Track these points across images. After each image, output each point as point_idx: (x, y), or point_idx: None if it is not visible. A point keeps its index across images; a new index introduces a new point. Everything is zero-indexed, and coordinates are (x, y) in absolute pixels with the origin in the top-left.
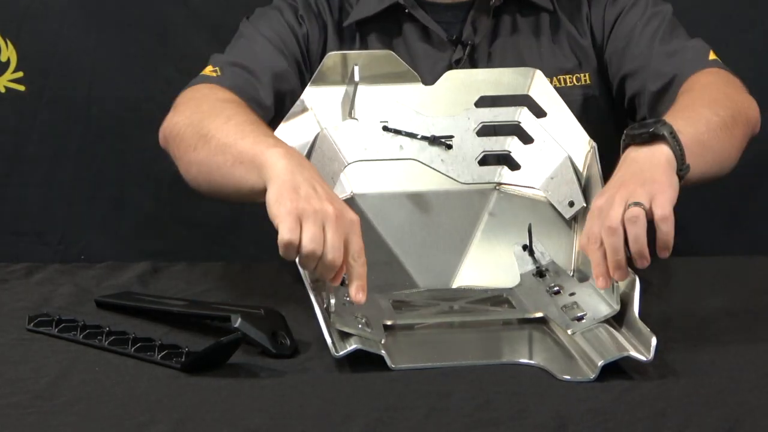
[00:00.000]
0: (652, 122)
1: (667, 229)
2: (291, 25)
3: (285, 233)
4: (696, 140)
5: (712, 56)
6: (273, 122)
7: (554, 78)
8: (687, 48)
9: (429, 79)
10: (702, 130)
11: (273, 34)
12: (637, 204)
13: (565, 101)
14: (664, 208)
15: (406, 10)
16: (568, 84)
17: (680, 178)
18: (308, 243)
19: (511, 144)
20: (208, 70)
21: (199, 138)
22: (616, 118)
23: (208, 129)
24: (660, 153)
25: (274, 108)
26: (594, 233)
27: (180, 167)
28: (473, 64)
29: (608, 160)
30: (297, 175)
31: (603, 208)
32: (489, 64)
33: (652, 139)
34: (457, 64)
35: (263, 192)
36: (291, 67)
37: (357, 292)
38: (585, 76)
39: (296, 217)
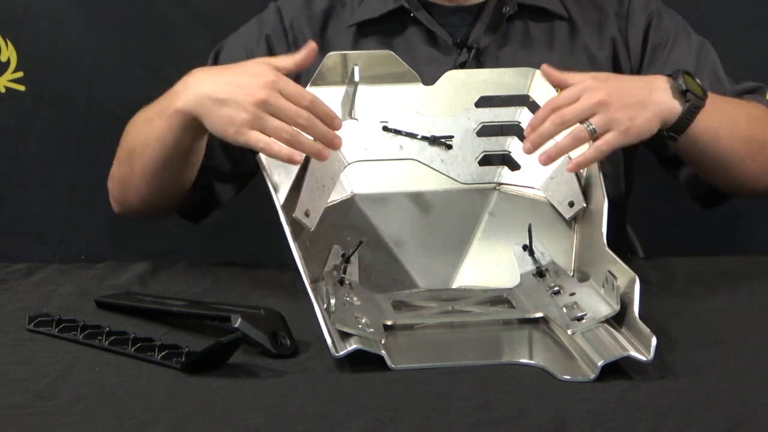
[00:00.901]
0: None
1: (590, 154)
2: (249, 50)
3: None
4: (714, 104)
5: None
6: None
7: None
8: (740, 90)
9: (432, 82)
10: (726, 108)
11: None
12: (593, 131)
13: None
14: (608, 143)
15: (411, 14)
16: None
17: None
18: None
19: (511, 144)
20: None
21: (129, 158)
22: None
23: (130, 144)
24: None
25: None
26: (555, 103)
27: (133, 204)
28: (480, 68)
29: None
30: (205, 72)
31: (573, 88)
32: None
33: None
34: (462, 68)
35: (186, 119)
36: None
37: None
38: None
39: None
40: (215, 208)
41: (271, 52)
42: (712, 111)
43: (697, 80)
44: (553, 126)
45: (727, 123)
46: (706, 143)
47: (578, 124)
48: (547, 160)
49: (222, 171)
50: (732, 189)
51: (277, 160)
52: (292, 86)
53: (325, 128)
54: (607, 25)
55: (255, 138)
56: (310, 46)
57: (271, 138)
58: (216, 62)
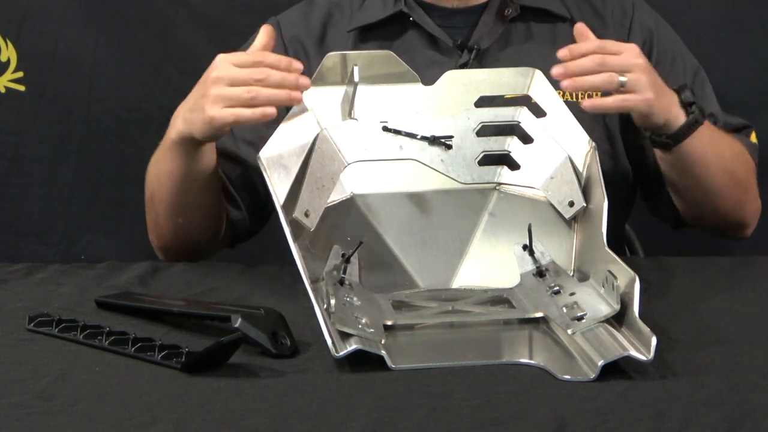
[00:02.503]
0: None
1: (611, 103)
2: None
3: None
4: (709, 132)
5: (753, 139)
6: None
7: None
8: (730, 125)
9: (433, 84)
10: (718, 137)
11: None
12: (622, 84)
13: (576, 115)
14: (630, 101)
15: (411, 18)
16: (581, 98)
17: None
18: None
19: (511, 144)
20: None
21: (151, 202)
22: (625, 139)
23: (150, 190)
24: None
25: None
26: (587, 47)
27: (172, 245)
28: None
29: (615, 177)
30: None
31: (605, 44)
32: None
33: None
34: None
35: (182, 143)
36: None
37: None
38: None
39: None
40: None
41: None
42: (706, 134)
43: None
44: (593, 64)
45: (716, 149)
46: (694, 162)
47: (611, 72)
48: (572, 85)
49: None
50: (701, 218)
51: (276, 161)
52: (239, 55)
53: (282, 74)
54: (606, 34)
55: (222, 114)
56: (267, 30)
57: (238, 107)
58: None
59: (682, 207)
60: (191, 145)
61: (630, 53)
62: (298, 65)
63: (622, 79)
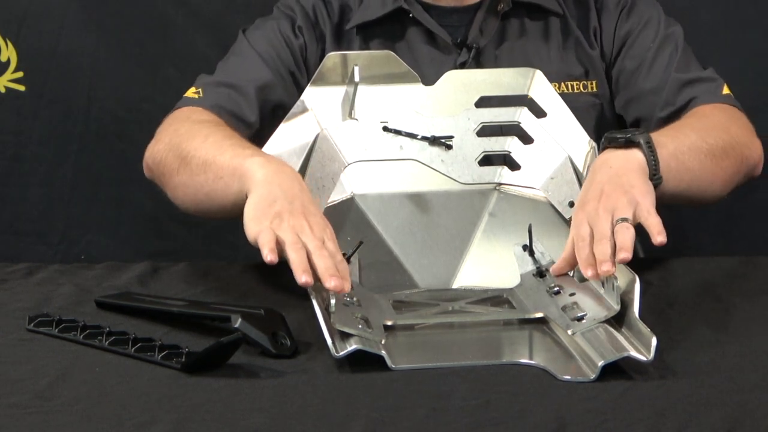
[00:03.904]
0: (632, 130)
1: (655, 221)
2: (286, 36)
3: (266, 254)
4: (674, 156)
5: (725, 90)
6: (262, 133)
7: (561, 83)
8: (702, 79)
9: (433, 82)
10: (683, 150)
11: (265, 47)
12: (624, 220)
13: (570, 108)
14: (648, 210)
15: (410, 15)
16: (575, 90)
17: (653, 186)
18: (288, 238)
19: (511, 144)
20: (191, 92)
21: (180, 161)
22: (620, 127)
23: (187, 151)
24: (634, 158)
25: (261, 121)
26: (583, 235)
27: (167, 193)
28: (479, 67)
29: None
30: (275, 188)
31: (590, 221)
32: (496, 67)
33: (628, 144)
34: (462, 68)
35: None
36: (280, 78)
37: (328, 279)
38: (592, 84)
39: (272, 233)
40: None
41: (304, 42)
42: (663, 154)
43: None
44: (600, 246)
45: (678, 158)
46: (676, 193)
47: (616, 226)
48: (612, 266)
49: (247, 120)
50: (720, 195)
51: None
52: (332, 241)
53: (330, 261)
54: (590, 20)
55: (268, 234)
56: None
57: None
58: (246, 38)
59: (695, 204)
60: (242, 198)
61: (590, 214)
62: (345, 268)
63: (621, 219)
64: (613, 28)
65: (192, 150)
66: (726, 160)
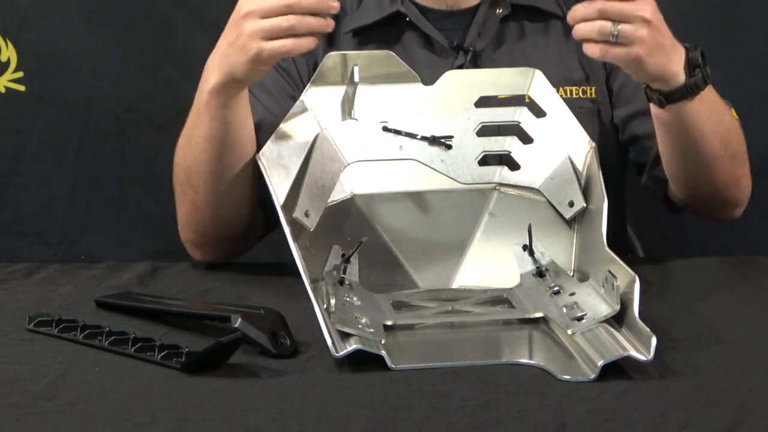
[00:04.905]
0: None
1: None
2: (277, 66)
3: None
4: (717, 102)
5: (734, 114)
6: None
7: (560, 88)
8: None
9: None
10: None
11: (261, 88)
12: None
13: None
14: (615, 55)
15: (407, 18)
16: (574, 96)
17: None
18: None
19: (511, 144)
20: None
21: (188, 181)
22: (617, 135)
23: (183, 168)
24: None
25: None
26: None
27: (209, 234)
28: None
29: (610, 174)
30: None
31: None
32: None
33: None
34: None
35: (220, 93)
36: (281, 112)
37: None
38: (591, 89)
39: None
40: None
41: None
42: (706, 99)
43: (707, 67)
44: (592, 11)
45: (714, 117)
46: (689, 126)
47: (606, 22)
48: (574, 33)
49: None
50: (693, 193)
51: (276, 161)
52: None
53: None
54: None
55: (271, 47)
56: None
57: (281, 39)
58: None
59: (675, 180)
60: (232, 91)
61: (640, 4)
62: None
63: (614, 30)
64: None
65: (183, 161)
66: (731, 162)
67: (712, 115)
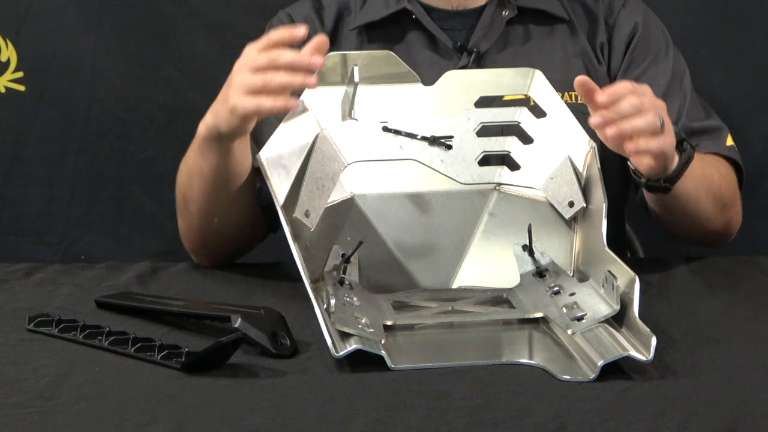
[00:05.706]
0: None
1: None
2: None
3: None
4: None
5: (729, 141)
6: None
7: (565, 93)
8: (708, 130)
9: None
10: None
11: None
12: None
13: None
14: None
15: (413, 16)
16: (579, 101)
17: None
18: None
19: (511, 144)
20: None
21: (185, 205)
22: None
23: (181, 193)
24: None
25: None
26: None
27: (210, 245)
28: None
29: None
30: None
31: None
32: None
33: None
34: None
35: (211, 139)
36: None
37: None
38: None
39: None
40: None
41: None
42: (696, 167)
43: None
44: (632, 108)
45: (706, 180)
46: (687, 200)
47: (652, 117)
48: (617, 133)
49: None
50: (687, 238)
51: (276, 161)
52: (263, 40)
53: (292, 56)
54: (598, 32)
55: (243, 103)
56: (320, 39)
57: (260, 96)
58: None
59: (668, 232)
60: (220, 140)
61: (651, 95)
62: (302, 33)
63: (660, 121)
64: (623, 52)
65: (181, 187)
66: (723, 213)
67: (703, 178)
